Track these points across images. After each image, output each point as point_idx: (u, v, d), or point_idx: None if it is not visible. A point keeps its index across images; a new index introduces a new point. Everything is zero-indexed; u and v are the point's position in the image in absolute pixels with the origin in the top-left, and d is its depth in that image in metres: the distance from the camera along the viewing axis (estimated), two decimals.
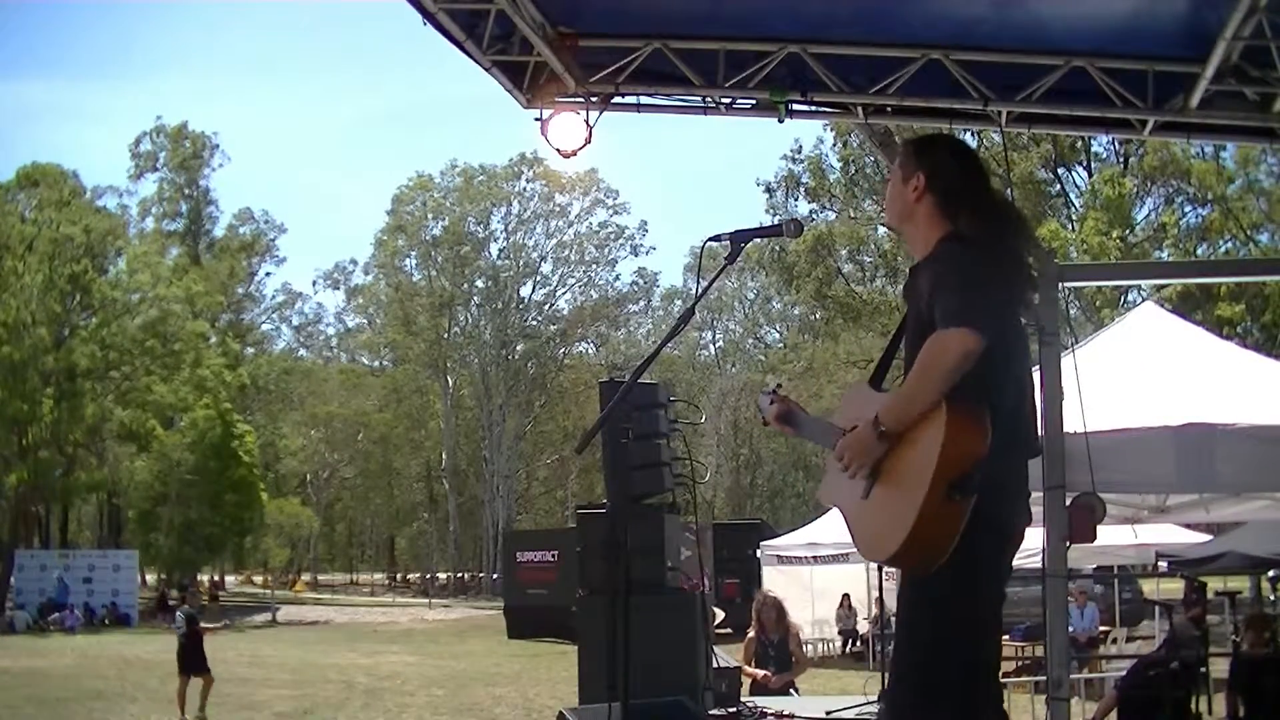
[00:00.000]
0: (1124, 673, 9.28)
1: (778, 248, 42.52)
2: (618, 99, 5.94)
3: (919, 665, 2.94)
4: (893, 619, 3.42)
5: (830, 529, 17.61)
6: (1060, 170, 42.10)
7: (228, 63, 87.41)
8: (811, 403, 47.24)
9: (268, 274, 60.44)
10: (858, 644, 21.35)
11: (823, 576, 21.12)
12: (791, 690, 8.34)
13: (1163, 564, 16.80)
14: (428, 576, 58.43)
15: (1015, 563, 3.10)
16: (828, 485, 3.24)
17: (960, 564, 2.78)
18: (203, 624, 13.49)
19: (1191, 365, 7.93)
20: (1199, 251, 36.33)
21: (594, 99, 5.91)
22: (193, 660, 12.63)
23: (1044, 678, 6.23)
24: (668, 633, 5.82)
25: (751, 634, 8.84)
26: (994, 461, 2.76)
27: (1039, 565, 5.92)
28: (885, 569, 6.30)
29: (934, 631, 2.92)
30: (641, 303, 59.29)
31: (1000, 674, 3.17)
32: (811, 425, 3.46)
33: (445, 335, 54.64)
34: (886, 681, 3.10)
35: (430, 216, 54.55)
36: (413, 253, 55.21)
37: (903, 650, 3.06)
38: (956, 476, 2.71)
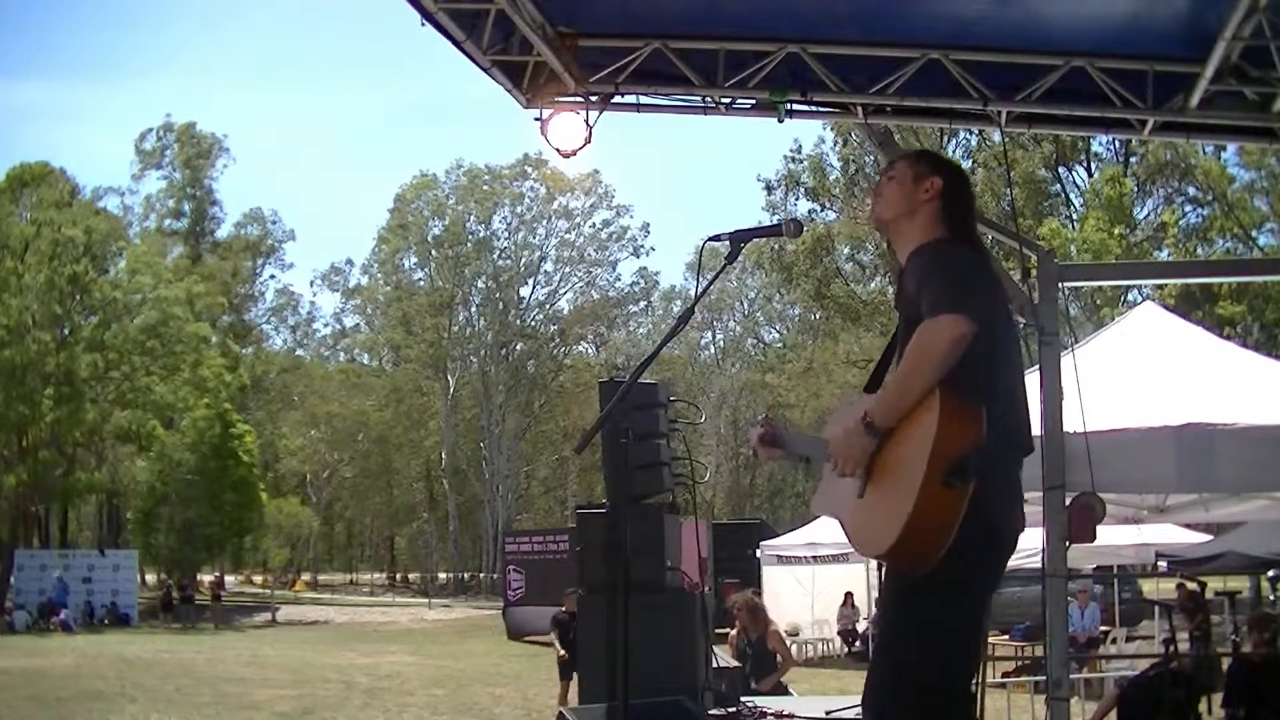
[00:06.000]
0: (1124, 673, 9.28)
1: (777, 247, 42.51)
2: (617, 99, 5.94)
3: (901, 683, 2.91)
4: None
5: (830, 528, 17.61)
6: (1061, 169, 42.13)
7: (227, 63, 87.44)
8: (811, 402, 47.39)
9: (272, 276, 60.49)
10: (858, 643, 21.34)
11: (824, 576, 21.12)
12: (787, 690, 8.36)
13: (1163, 564, 16.78)
14: (427, 576, 58.41)
15: (1015, 563, 3.09)
16: (822, 495, 3.22)
17: (951, 574, 2.75)
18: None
19: (1191, 365, 7.91)
20: (1199, 251, 36.35)
21: (594, 99, 5.90)
22: (567, 665, 12.38)
23: (1044, 678, 6.22)
24: (668, 633, 5.81)
25: (733, 633, 9.02)
26: (988, 465, 2.73)
27: (1039, 565, 5.91)
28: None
29: (920, 653, 2.88)
30: (642, 303, 59.40)
31: (977, 680, 3.17)
32: (801, 443, 3.40)
33: (445, 335, 54.64)
34: (865, 688, 3.02)
35: (432, 215, 54.54)
36: (411, 252, 55.19)
37: (884, 666, 3.01)
38: (952, 461, 2.68)
